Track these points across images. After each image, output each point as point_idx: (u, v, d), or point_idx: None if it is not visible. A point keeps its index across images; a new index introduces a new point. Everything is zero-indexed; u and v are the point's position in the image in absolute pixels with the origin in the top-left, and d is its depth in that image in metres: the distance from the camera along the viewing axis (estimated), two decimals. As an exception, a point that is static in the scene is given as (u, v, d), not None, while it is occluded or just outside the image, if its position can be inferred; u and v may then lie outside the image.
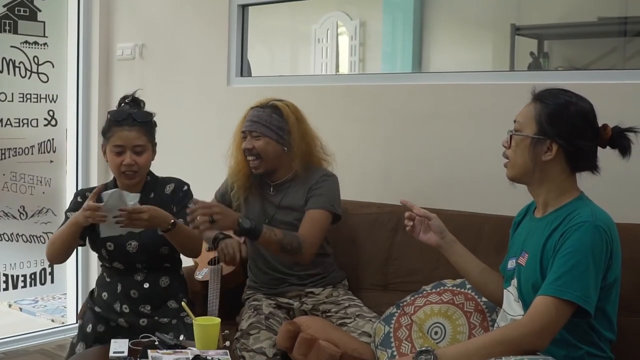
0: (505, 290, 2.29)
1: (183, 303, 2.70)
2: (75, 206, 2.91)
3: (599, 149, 2.20)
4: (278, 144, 3.04)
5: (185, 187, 2.99)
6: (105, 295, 2.94)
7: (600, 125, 2.17)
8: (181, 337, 2.61)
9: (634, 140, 2.17)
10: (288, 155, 3.07)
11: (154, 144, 2.96)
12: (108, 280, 2.97)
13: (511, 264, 2.27)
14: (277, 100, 3.10)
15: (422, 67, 4.81)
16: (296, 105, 3.13)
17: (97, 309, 2.92)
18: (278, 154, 3.05)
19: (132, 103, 2.97)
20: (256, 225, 2.82)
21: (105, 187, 2.89)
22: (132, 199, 2.71)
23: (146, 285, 2.91)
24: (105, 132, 2.92)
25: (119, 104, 2.99)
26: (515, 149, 2.20)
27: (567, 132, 2.12)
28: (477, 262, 2.50)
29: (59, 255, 2.88)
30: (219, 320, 2.60)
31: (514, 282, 2.23)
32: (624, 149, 2.16)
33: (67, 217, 2.91)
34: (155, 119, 2.99)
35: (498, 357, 1.92)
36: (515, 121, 2.24)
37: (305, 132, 3.12)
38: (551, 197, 2.18)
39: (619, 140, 2.16)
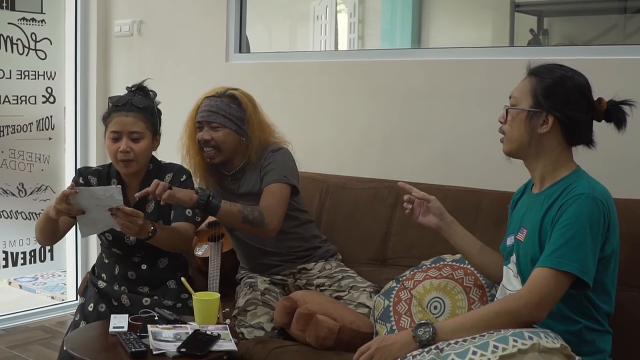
0: (504, 267, 2.30)
1: (182, 279, 2.69)
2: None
3: (595, 125, 2.21)
4: (237, 134, 2.99)
5: (184, 177, 2.91)
6: (104, 276, 2.94)
7: (595, 99, 2.17)
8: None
9: (629, 113, 2.17)
10: (245, 145, 3.03)
11: (157, 133, 2.89)
12: (106, 261, 2.96)
13: (510, 240, 2.28)
14: (232, 89, 3.05)
15: (422, 44, 4.80)
16: (251, 94, 3.10)
17: (100, 283, 2.90)
18: (236, 145, 3.01)
19: (138, 91, 2.89)
20: (214, 195, 2.75)
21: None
22: (105, 192, 2.56)
23: (144, 267, 2.90)
24: (105, 119, 2.87)
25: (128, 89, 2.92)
26: (511, 123, 2.20)
27: (563, 105, 2.12)
28: (476, 241, 2.51)
29: (43, 240, 2.85)
30: (218, 295, 2.61)
31: (513, 258, 2.24)
32: (619, 122, 2.17)
33: None
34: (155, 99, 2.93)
35: (497, 329, 1.93)
36: (511, 97, 2.24)
37: (261, 121, 3.07)
38: (548, 171, 2.18)
39: (614, 113, 2.16)
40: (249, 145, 3.03)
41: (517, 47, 3.73)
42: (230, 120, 2.97)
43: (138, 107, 2.82)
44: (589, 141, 2.19)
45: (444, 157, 3.34)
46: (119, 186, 2.59)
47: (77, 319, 2.87)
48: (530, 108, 2.15)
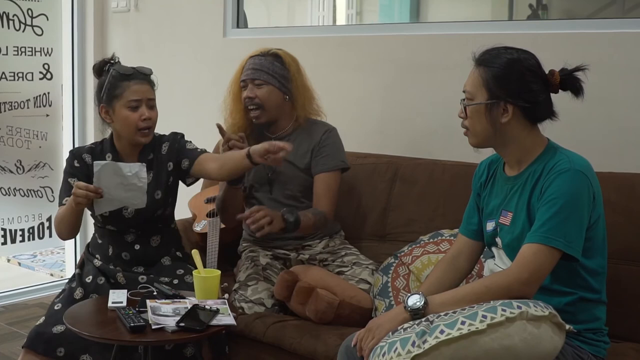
0: (494, 248, 2.29)
1: (194, 251, 2.68)
2: (72, 170, 2.81)
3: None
4: (280, 92, 3.02)
5: (179, 137, 2.90)
6: (98, 256, 2.92)
7: (547, 72, 2.16)
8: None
9: (583, 79, 2.15)
10: (289, 104, 3.06)
11: None
12: (100, 241, 2.93)
13: (490, 225, 2.26)
14: (276, 49, 3.09)
15: (420, 19, 4.77)
16: (295, 57, 3.12)
17: (96, 262, 2.89)
18: (280, 103, 3.03)
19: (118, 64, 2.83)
20: (297, 215, 2.81)
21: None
22: (131, 169, 2.56)
23: (137, 247, 2.87)
24: (114, 89, 2.75)
25: (105, 64, 2.83)
26: (471, 117, 2.19)
27: (518, 90, 2.11)
28: (439, 282, 2.37)
29: (68, 233, 2.78)
30: (219, 272, 2.61)
31: (498, 240, 2.23)
32: (576, 90, 2.16)
33: (66, 182, 2.79)
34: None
35: (487, 302, 1.93)
36: (465, 91, 2.23)
37: (304, 83, 3.10)
38: (522, 154, 2.18)
39: (568, 82, 2.15)
40: (294, 105, 3.06)
41: (517, 20, 3.70)
42: (273, 77, 3.01)
43: (148, 75, 2.80)
44: (551, 114, 2.18)
45: (442, 132, 3.33)
46: (144, 164, 2.59)
47: (73, 285, 2.83)
48: (487, 101, 2.14)
